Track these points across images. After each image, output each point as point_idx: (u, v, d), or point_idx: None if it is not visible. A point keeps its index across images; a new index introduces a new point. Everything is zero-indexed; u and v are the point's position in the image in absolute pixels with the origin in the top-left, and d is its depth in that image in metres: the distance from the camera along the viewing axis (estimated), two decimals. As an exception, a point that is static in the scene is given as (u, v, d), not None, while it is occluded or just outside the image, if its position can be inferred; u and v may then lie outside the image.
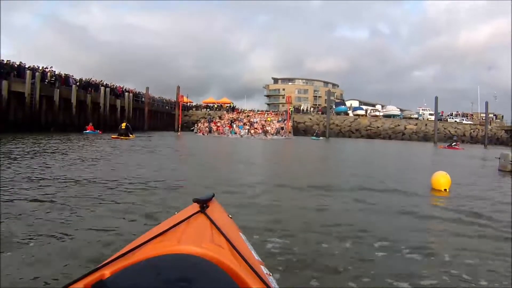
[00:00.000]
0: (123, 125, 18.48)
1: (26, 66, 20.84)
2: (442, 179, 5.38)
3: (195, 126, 35.89)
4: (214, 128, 34.65)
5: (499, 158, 8.84)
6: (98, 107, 26.90)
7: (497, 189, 5.93)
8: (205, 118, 40.85)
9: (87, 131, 21.13)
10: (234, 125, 35.44)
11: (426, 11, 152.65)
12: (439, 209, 4.38)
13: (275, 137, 31.64)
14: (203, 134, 32.66)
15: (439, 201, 4.81)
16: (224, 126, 35.48)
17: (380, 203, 4.37)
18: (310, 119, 43.60)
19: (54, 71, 23.60)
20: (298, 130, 40.38)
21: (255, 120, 37.81)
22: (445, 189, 5.27)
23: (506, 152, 8.94)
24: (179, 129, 34.91)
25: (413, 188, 5.57)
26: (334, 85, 78.57)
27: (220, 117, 39.74)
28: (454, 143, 23.13)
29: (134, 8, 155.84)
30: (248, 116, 40.42)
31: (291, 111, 41.21)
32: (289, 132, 35.65)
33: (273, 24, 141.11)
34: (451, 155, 16.04)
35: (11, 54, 53.55)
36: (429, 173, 5.79)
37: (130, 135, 18.37)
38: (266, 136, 31.63)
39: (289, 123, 37.89)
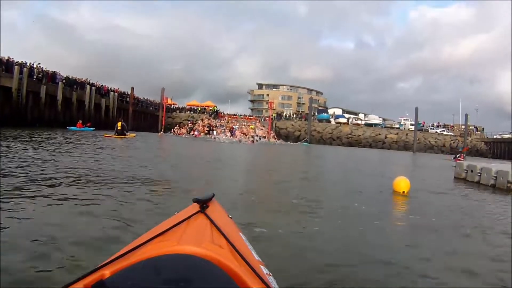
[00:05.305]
0: (119, 124, 18.41)
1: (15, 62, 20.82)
2: (402, 183, 6.15)
3: (172, 130, 37.08)
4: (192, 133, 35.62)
5: (455, 167, 10.01)
6: (83, 105, 27.01)
7: (446, 193, 6.95)
8: (188, 120, 41.32)
9: (77, 127, 21.23)
10: (215, 132, 35.75)
11: (410, 23, 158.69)
12: (395, 205, 5.34)
13: (261, 141, 32.46)
14: (181, 135, 33.76)
15: (395, 200, 5.73)
16: (201, 132, 35.98)
17: (347, 197, 5.30)
18: (292, 125, 44.57)
19: (42, 67, 23.61)
20: (280, 136, 41.20)
21: (235, 127, 38.08)
22: (404, 191, 6.09)
23: (460, 162, 10.13)
24: (162, 130, 35.70)
25: (377, 189, 6.51)
26: (318, 92, 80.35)
27: (202, 120, 40.22)
28: (458, 155, 22.65)
29: (122, 10, 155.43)
30: (228, 122, 40.82)
31: (273, 117, 42.08)
32: (274, 138, 36.67)
33: (260, 31, 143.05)
34: (421, 164, 17.26)
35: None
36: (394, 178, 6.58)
37: (127, 134, 18.41)
38: (244, 140, 31.96)
39: (271, 130, 38.73)
